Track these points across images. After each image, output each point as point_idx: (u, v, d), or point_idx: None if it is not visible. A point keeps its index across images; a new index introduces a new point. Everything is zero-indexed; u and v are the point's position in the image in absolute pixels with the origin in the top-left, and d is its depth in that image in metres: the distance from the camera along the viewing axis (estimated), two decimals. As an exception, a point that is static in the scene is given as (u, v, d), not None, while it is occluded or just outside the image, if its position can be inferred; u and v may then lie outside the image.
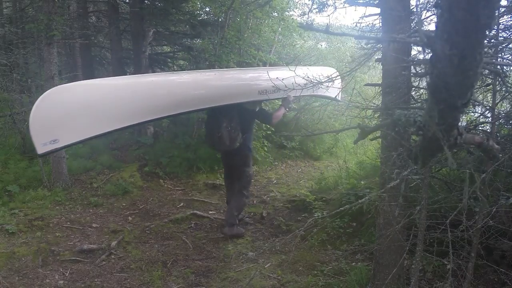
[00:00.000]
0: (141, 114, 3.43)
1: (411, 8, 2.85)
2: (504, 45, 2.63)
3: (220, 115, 4.22)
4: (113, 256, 4.08)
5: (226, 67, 6.96)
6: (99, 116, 3.24)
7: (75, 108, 3.20)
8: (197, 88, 3.92)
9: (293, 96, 4.50)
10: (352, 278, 3.44)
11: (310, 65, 8.78)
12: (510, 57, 2.88)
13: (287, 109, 4.66)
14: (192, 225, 4.89)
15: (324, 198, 5.32)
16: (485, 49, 2.21)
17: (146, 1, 7.88)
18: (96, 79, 3.98)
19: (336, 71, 4.85)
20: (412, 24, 2.77)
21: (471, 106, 2.98)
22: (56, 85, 5.76)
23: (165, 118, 3.75)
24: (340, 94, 5.37)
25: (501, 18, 2.61)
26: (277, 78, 3.98)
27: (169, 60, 9.42)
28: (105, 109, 3.30)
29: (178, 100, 3.69)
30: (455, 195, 2.85)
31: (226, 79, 4.21)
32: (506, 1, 2.83)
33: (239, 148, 4.30)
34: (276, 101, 7.29)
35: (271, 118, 4.50)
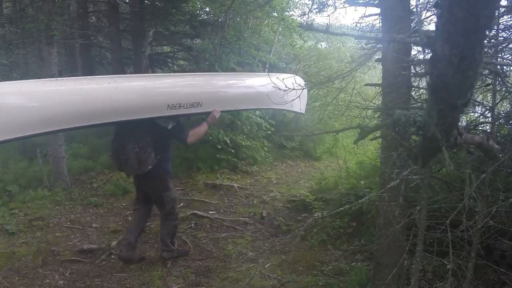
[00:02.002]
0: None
1: (411, 8, 2.86)
2: (504, 45, 2.63)
3: (126, 134, 3.53)
4: (113, 256, 4.08)
5: (226, 67, 6.96)
6: None
7: None
8: (81, 102, 3.07)
9: (221, 111, 3.74)
10: (352, 278, 3.44)
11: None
12: (510, 57, 2.88)
13: (210, 126, 3.82)
14: (192, 225, 4.89)
15: (324, 198, 5.32)
16: (485, 49, 2.22)
17: (146, 1, 7.88)
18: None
19: (297, 81, 4.03)
20: (412, 24, 2.77)
21: (471, 106, 2.98)
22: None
23: (38, 136, 3.07)
24: (304, 106, 4.52)
25: (501, 18, 2.61)
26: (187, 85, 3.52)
27: (169, 60, 9.44)
28: None
29: (49, 116, 2.91)
30: (455, 195, 2.85)
31: (125, 90, 3.31)
32: (506, 1, 2.83)
33: (153, 171, 3.59)
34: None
35: (186, 136, 3.67)
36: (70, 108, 3.00)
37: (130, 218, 4.17)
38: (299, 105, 4.16)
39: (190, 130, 3.70)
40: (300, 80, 4.44)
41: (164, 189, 3.78)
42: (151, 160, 3.53)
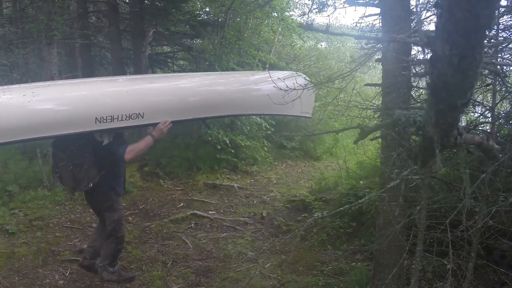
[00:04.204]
0: None
1: (411, 8, 2.86)
2: (504, 45, 2.63)
3: (56, 149, 3.18)
4: (113, 256, 4.08)
5: (226, 67, 6.95)
6: None
7: None
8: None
9: (170, 123, 3.12)
10: (352, 278, 3.44)
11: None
12: (510, 57, 2.88)
13: (156, 140, 3.18)
14: (192, 225, 4.89)
15: (324, 198, 5.32)
16: (485, 49, 2.22)
17: (146, 1, 7.88)
18: None
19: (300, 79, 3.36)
20: (412, 24, 2.77)
21: (471, 106, 2.98)
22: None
23: None
24: (310, 108, 3.95)
25: (501, 18, 2.61)
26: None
27: (169, 60, 9.44)
28: None
29: None
30: (455, 195, 2.85)
31: (40, 102, 2.80)
32: (506, 1, 2.83)
33: (96, 189, 3.23)
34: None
35: (122, 153, 3.06)
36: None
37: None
38: (305, 107, 3.58)
39: (130, 145, 3.11)
40: (301, 80, 3.60)
41: (106, 208, 3.38)
42: (90, 177, 3.15)
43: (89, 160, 3.13)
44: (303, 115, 3.86)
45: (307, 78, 3.75)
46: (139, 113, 2.96)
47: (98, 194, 3.32)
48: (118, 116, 2.88)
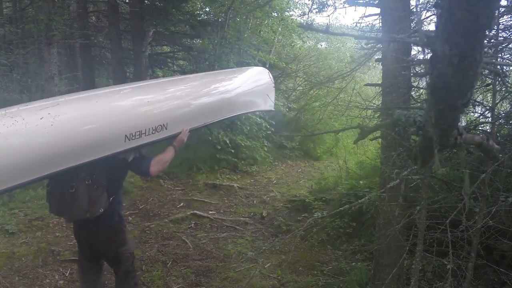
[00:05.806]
0: None
1: (411, 8, 2.86)
2: (504, 45, 2.63)
3: (72, 170, 2.47)
4: (113, 256, 4.08)
5: (226, 67, 6.95)
6: None
7: None
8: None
9: (189, 131, 2.88)
10: (352, 278, 3.44)
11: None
12: (510, 57, 2.88)
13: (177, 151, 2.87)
14: (192, 225, 4.89)
15: (324, 198, 5.33)
16: (485, 49, 2.22)
17: (146, 1, 7.88)
18: None
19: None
20: (412, 24, 2.78)
21: (471, 106, 2.98)
22: (56, 85, 5.77)
23: None
24: (272, 101, 3.79)
25: (501, 18, 2.61)
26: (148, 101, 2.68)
27: (169, 60, 9.45)
28: None
29: None
30: (455, 195, 2.85)
31: (65, 124, 2.25)
32: (506, 1, 2.83)
33: (105, 219, 2.63)
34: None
35: (147, 167, 2.67)
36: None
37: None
38: (268, 101, 3.49)
39: (153, 158, 2.72)
40: (265, 73, 3.80)
41: (120, 243, 2.81)
42: (104, 201, 2.59)
43: (104, 179, 2.62)
44: (268, 108, 3.74)
45: (271, 74, 3.84)
46: (163, 124, 2.68)
47: (110, 228, 2.74)
48: (145, 130, 2.55)
